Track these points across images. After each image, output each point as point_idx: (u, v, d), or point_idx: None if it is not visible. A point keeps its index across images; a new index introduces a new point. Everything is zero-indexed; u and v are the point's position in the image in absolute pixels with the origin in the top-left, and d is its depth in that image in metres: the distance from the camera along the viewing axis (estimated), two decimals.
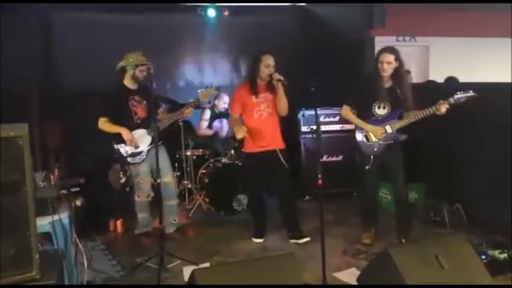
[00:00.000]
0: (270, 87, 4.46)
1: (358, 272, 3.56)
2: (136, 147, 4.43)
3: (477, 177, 4.76)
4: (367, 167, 4.30)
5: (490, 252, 3.85)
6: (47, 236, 2.88)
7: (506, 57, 7.96)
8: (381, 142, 4.21)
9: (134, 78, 4.43)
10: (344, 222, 5.17)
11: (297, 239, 4.58)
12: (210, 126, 6.19)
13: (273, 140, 4.53)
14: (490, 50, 8.09)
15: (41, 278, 2.15)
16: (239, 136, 4.43)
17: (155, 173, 4.32)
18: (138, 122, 4.45)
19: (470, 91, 3.90)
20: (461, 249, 3.14)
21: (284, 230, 4.74)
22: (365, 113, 4.28)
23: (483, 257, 3.67)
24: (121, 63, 4.43)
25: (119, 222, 5.07)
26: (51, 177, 3.07)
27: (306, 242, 4.54)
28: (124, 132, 4.35)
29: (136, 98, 4.46)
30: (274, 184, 4.80)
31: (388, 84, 4.19)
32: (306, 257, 4.09)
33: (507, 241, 4.04)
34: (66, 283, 2.77)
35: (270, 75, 4.33)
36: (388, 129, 4.17)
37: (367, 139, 4.29)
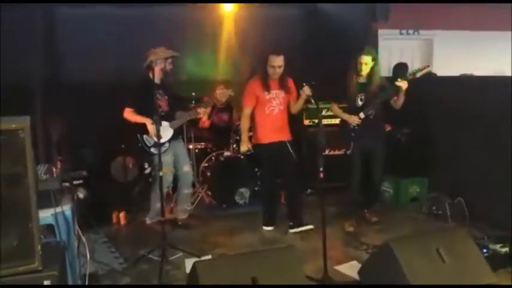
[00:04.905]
0: (282, 85, 4.63)
1: (359, 265, 3.57)
2: (159, 138, 4.48)
3: (479, 170, 4.77)
4: (348, 152, 4.68)
5: (492, 246, 3.86)
6: (49, 228, 2.90)
7: (509, 51, 7.91)
8: (356, 128, 4.57)
9: (164, 71, 4.54)
10: (345, 215, 5.15)
11: (297, 227, 4.64)
12: (209, 118, 6.20)
13: (281, 132, 4.68)
14: (493, 43, 8.02)
15: (43, 269, 2.17)
16: (243, 149, 4.73)
17: (176, 163, 4.77)
18: (162, 114, 4.50)
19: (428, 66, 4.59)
20: (463, 242, 3.16)
21: (286, 223, 4.76)
22: (351, 105, 4.71)
23: (484, 250, 3.68)
24: (151, 58, 4.49)
25: (121, 215, 5.09)
26: (54, 169, 3.09)
27: (308, 234, 4.55)
28: (148, 123, 4.46)
29: (160, 91, 4.56)
30: (281, 175, 4.81)
31: (364, 79, 4.60)
32: (307, 250, 4.10)
33: (509, 235, 4.04)
34: (69, 275, 2.79)
35: (282, 76, 4.53)
36: (361, 115, 4.55)
37: (346, 125, 4.69)
